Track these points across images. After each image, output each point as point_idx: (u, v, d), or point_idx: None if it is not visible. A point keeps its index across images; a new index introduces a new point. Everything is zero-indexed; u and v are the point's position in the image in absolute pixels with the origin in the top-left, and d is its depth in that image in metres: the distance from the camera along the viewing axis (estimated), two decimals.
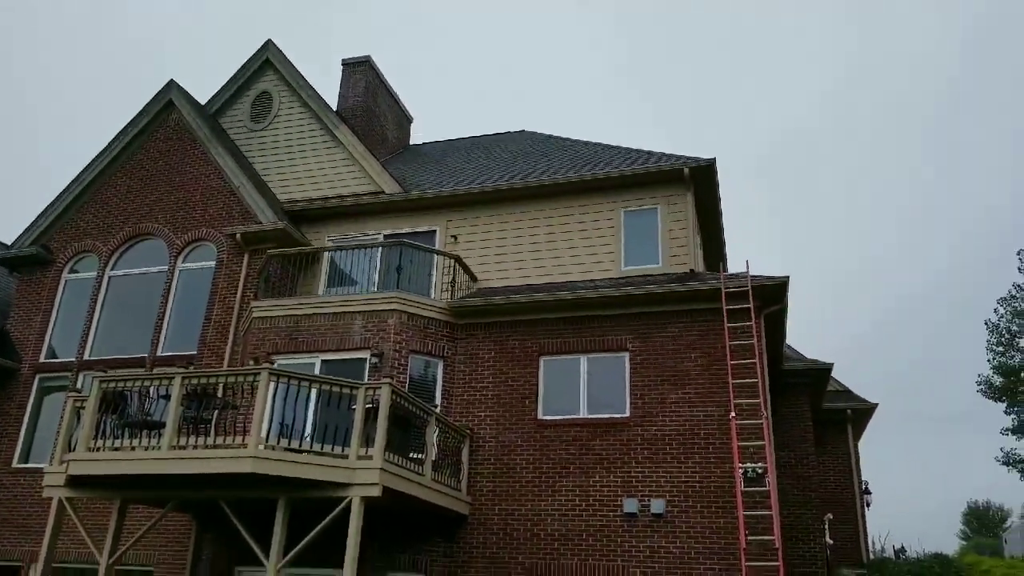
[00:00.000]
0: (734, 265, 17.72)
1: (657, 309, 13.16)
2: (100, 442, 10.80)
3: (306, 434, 11.39)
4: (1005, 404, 28.10)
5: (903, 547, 17.75)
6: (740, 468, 11.39)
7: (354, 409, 10.43)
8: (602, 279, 14.49)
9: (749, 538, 10.89)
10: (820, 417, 16.78)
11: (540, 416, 13.15)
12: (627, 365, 13.03)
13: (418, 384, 13.39)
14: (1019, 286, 28.57)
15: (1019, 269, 28.98)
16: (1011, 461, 28.63)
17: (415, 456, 11.52)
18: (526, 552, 12.31)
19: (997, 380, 28.57)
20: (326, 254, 16.00)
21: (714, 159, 14.69)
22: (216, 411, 10.91)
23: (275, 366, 10.61)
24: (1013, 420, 27.85)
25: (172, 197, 17.22)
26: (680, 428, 12.37)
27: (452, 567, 12.54)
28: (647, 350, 12.99)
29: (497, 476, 12.96)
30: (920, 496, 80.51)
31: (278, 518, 9.84)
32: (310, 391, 10.74)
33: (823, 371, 16.08)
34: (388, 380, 10.69)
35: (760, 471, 11.42)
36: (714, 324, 12.77)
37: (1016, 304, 28.66)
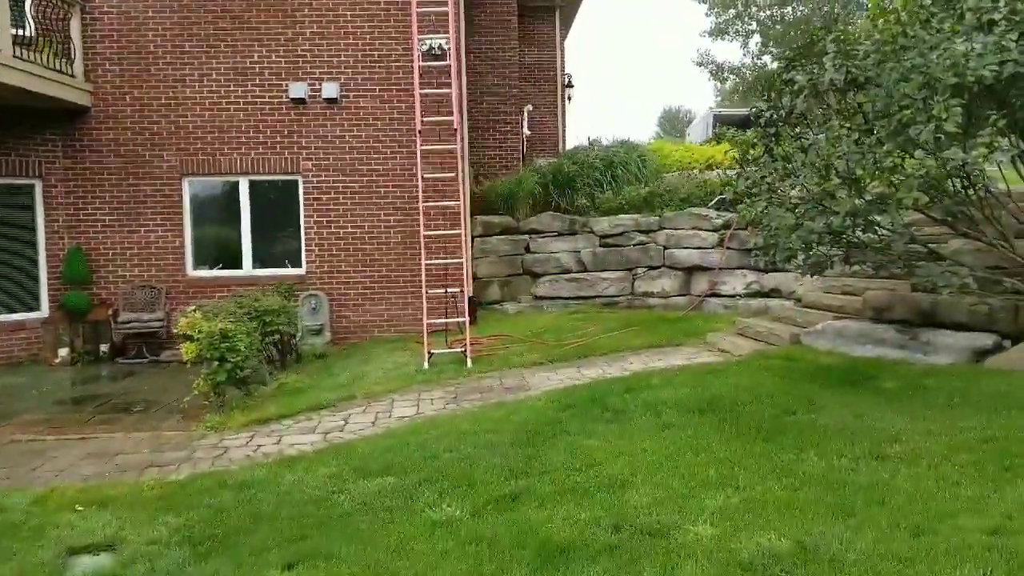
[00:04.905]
0: None
1: None
2: None
3: None
4: (707, 6, 29.01)
5: (598, 139, 18.17)
6: (419, 40, 9.66)
7: None
8: None
9: (426, 119, 9.63)
10: (525, 2, 15.25)
11: None
12: None
13: None
14: None
15: None
16: (704, 62, 30.73)
17: None
18: (172, 148, 10.17)
19: None
20: None
21: None
22: None
23: None
24: (711, 23, 29.12)
25: None
26: None
27: (77, 168, 10.14)
28: None
29: (126, 58, 10.11)
30: (623, 99, 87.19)
31: None
32: None
33: None
34: None
35: (445, 46, 9.81)
36: None
37: None
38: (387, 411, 6.65)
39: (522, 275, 11.46)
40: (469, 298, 9.95)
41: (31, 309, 10.02)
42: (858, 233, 6.02)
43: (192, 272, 10.29)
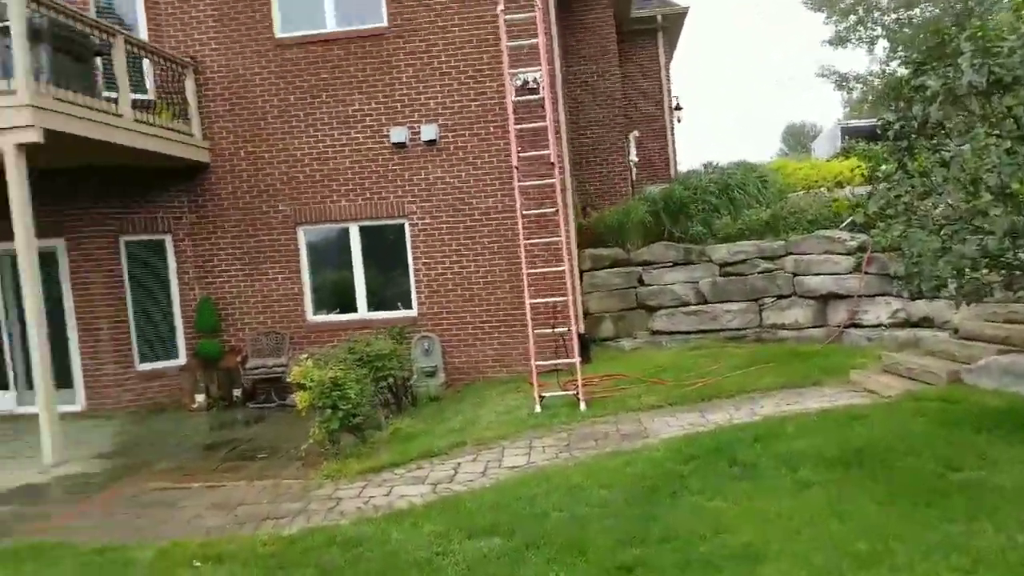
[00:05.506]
0: None
1: None
2: None
3: None
4: (824, 15, 27.59)
5: (713, 162, 17.43)
6: (511, 74, 9.50)
7: None
8: None
9: (523, 154, 9.42)
10: (626, 27, 14.92)
11: (278, 34, 10.40)
12: None
13: (106, 6, 10.14)
14: None
15: None
16: (826, 73, 29.17)
17: (111, 96, 8.85)
18: (285, 198, 10.47)
19: None
20: None
21: None
22: None
23: None
24: (831, 32, 27.63)
25: None
26: (448, 36, 10.10)
27: (201, 223, 10.62)
28: None
29: (237, 114, 10.54)
30: (741, 118, 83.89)
31: None
32: None
33: None
34: None
35: (538, 80, 9.58)
36: None
37: None
38: (497, 460, 6.36)
39: (636, 309, 10.94)
40: (581, 335, 9.54)
41: (170, 357, 10.56)
42: (1020, 255, 5.23)
43: (312, 317, 10.50)
